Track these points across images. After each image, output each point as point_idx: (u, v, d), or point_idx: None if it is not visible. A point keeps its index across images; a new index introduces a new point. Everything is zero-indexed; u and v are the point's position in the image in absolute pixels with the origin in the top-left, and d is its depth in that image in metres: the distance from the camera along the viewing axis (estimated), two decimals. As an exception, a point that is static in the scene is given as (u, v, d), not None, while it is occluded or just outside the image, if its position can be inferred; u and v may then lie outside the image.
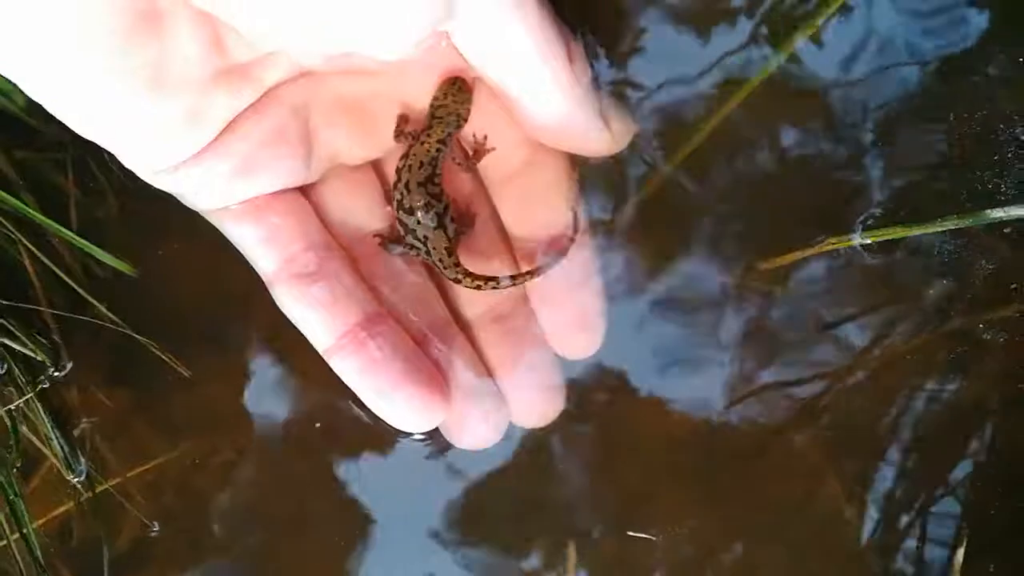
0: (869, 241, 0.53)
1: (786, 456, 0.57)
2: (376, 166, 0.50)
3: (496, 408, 0.49)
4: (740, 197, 0.55)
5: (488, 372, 0.49)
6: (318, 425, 0.58)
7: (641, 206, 0.55)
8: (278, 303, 0.46)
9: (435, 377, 0.47)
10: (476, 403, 0.48)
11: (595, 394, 0.57)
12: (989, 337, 0.55)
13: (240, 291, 0.57)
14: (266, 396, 0.58)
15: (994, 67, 0.54)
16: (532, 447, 0.57)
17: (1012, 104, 0.53)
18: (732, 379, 0.56)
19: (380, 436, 0.57)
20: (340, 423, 0.57)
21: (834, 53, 0.53)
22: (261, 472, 0.58)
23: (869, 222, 0.54)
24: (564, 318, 0.49)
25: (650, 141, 0.54)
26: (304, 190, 0.48)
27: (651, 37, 0.54)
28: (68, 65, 0.37)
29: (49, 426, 0.57)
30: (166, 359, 0.56)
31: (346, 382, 0.46)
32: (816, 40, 0.53)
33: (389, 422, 0.46)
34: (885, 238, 0.53)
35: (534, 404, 0.49)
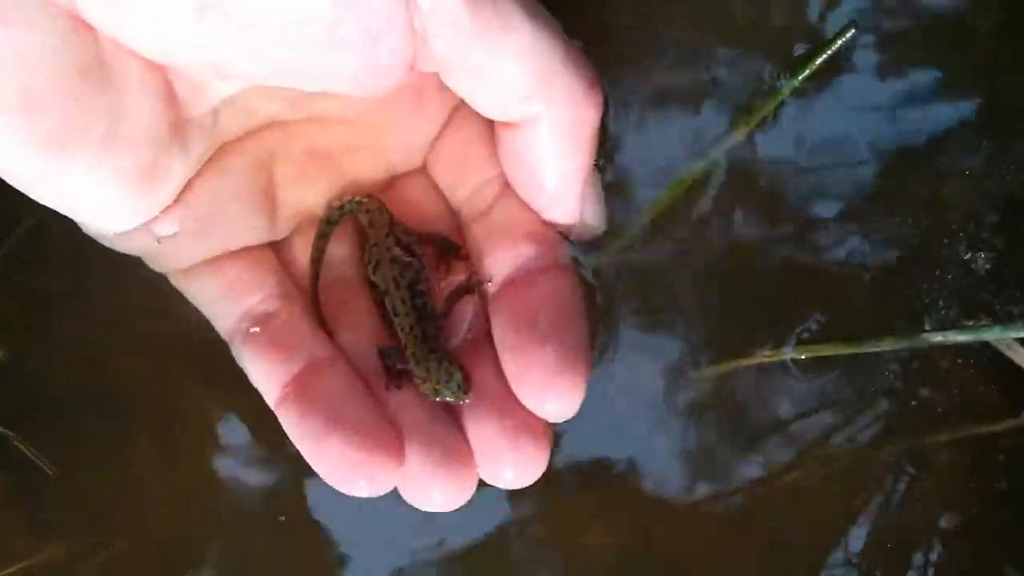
0: (803, 356, 0.51)
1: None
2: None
3: (463, 463, 0.41)
4: (675, 302, 0.52)
5: (458, 423, 0.43)
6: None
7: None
8: (236, 360, 0.43)
9: (384, 430, 0.41)
10: (439, 456, 0.41)
11: (521, 507, 0.53)
12: (931, 459, 0.53)
13: (121, 381, 0.54)
14: (146, 494, 0.54)
15: (939, 178, 0.52)
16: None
17: (953, 219, 0.51)
18: (662, 491, 0.53)
19: (270, 553, 0.53)
20: (224, 519, 0.53)
21: (768, 166, 0.51)
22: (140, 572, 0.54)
23: (804, 336, 0.51)
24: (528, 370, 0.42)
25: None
26: (275, 243, 0.45)
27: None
28: (13, 133, 0.34)
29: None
30: (29, 454, 0.51)
31: (291, 437, 0.41)
32: (747, 153, 0.51)
33: (330, 481, 0.40)
34: (818, 355, 0.51)
35: (509, 459, 0.41)
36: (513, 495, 0.53)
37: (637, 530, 0.53)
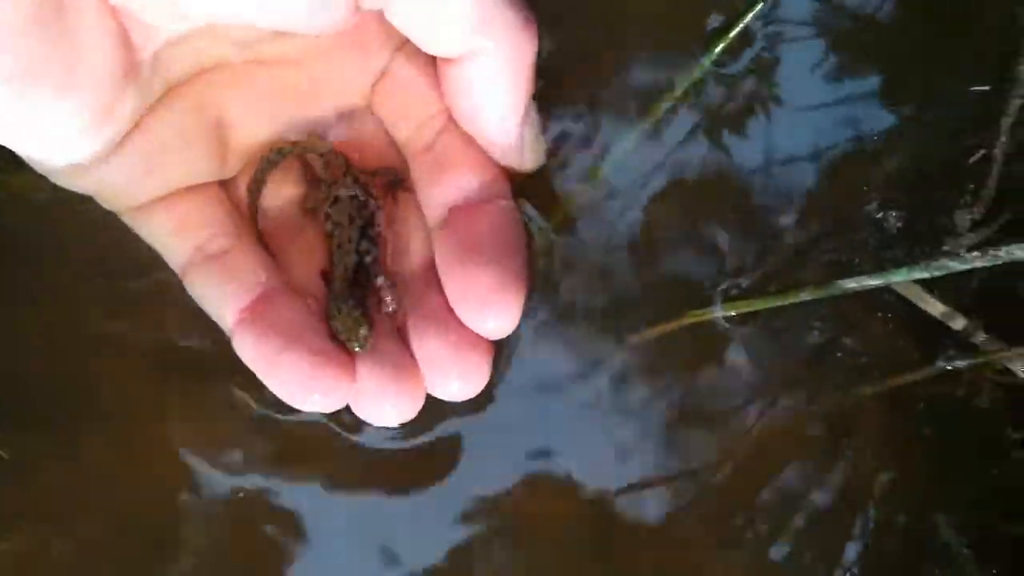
0: (732, 313, 0.53)
1: (669, 547, 0.55)
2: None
3: (412, 377, 0.45)
4: (609, 268, 0.55)
5: (404, 341, 0.46)
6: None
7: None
8: (190, 293, 0.45)
9: (335, 349, 0.44)
10: (389, 371, 0.44)
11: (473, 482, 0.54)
12: (857, 416, 0.55)
13: (78, 365, 0.54)
14: (104, 484, 0.54)
15: (846, 152, 0.55)
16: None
17: (866, 182, 0.55)
18: (605, 462, 0.55)
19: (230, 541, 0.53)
20: (184, 512, 0.53)
21: (695, 136, 0.54)
22: (99, 568, 0.54)
23: (732, 292, 0.54)
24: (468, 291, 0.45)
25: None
26: (226, 182, 0.48)
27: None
28: None
29: None
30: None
31: (245, 361, 0.44)
32: (674, 124, 0.54)
33: (286, 398, 0.43)
34: (745, 310, 0.53)
35: (454, 370, 0.45)
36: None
37: (576, 510, 0.55)
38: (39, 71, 0.36)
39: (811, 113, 0.55)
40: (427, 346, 0.45)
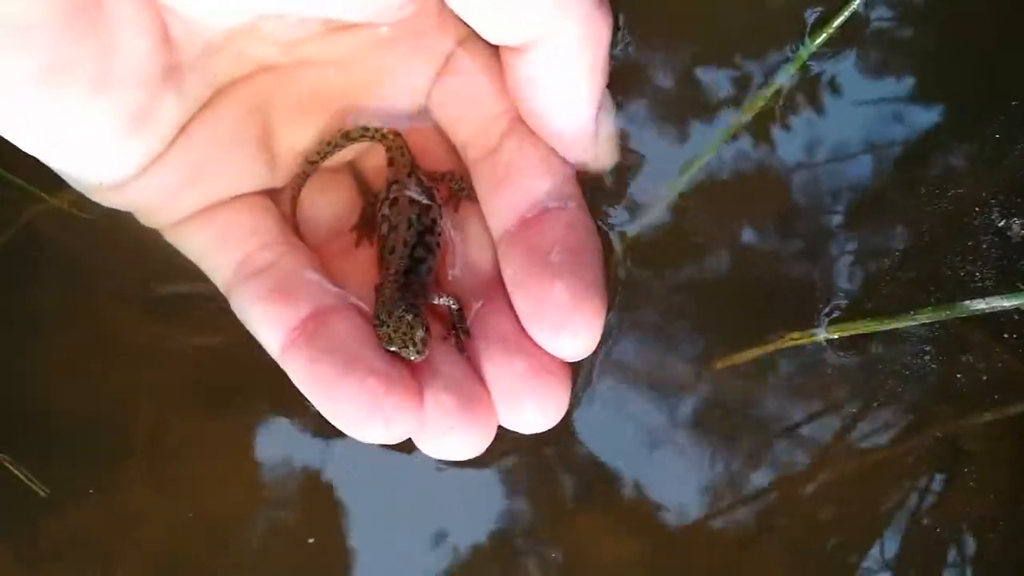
0: (835, 336, 0.48)
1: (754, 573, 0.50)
2: (352, 164, 0.46)
3: (483, 407, 0.39)
4: (696, 291, 0.50)
5: (476, 370, 0.41)
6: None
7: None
8: (235, 311, 0.41)
9: (399, 373, 0.38)
10: (458, 400, 0.39)
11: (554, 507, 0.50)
12: (971, 446, 0.50)
13: (119, 394, 0.51)
14: (142, 518, 0.51)
15: (956, 156, 0.49)
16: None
17: (985, 187, 0.49)
18: (693, 488, 0.50)
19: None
20: (221, 546, 0.50)
21: (790, 143, 0.49)
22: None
23: (834, 315, 0.49)
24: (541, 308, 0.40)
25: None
26: (272, 191, 0.44)
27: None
28: (3, 68, 0.33)
29: None
30: (22, 476, 0.48)
31: (298, 385, 0.39)
32: (765, 133, 0.49)
33: (346, 427, 0.38)
34: (853, 332, 0.48)
35: (529, 398, 0.40)
36: (523, 493, 0.51)
37: (661, 535, 0.50)
38: (70, 68, 0.34)
39: (917, 116, 0.50)
40: (498, 372, 0.40)
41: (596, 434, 0.50)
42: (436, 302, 0.42)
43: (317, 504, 0.51)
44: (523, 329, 0.40)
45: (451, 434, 0.39)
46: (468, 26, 0.39)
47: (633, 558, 0.50)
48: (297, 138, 0.44)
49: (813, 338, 0.48)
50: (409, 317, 0.39)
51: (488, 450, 0.42)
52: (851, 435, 0.50)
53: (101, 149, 0.37)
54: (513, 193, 0.42)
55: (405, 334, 0.39)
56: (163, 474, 0.51)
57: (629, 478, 0.50)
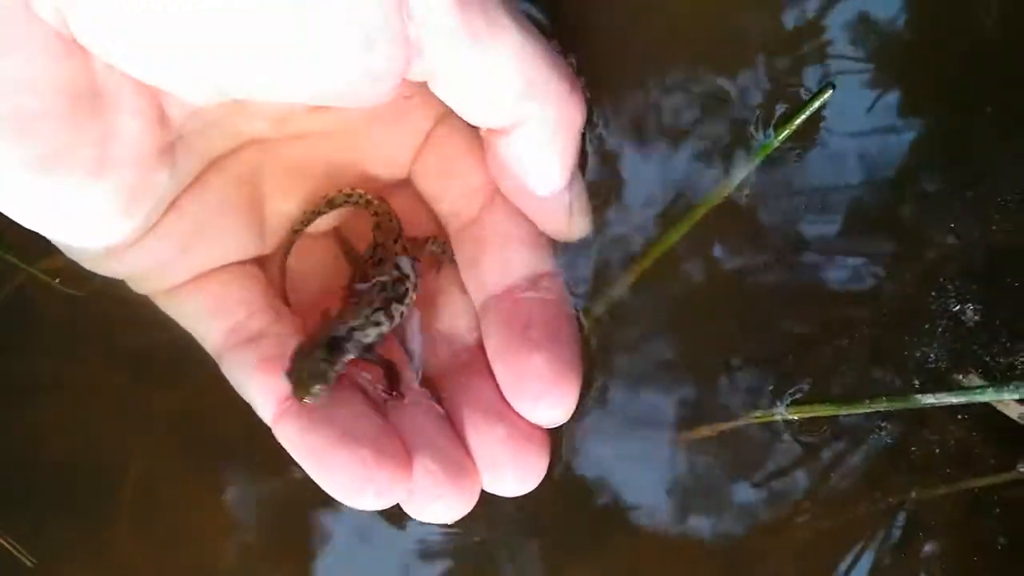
0: (794, 418, 0.50)
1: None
2: (337, 231, 0.48)
3: (468, 475, 0.42)
4: (663, 359, 0.52)
5: (458, 432, 0.43)
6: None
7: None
8: (227, 376, 0.43)
9: (390, 442, 0.41)
10: (445, 468, 0.41)
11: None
12: (926, 516, 0.52)
13: (107, 457, 0.52)
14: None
15: (921, 231, 0.51)
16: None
17: (941, 272, 0.51)
18: (657, 552, 0.52)
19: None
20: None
21: (754, 230, 0.50)
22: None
23: (796, 396, 0.50)
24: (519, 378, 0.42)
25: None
26: (261, 259, 0.45)
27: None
28: (4, 156, 0.34)
29: None
30: (9, 547, 0.50)
31: (291, 454, 0.40)
32: (728, 223, 0.50)
33: (337, 495, 0.40)
34: (811, 415, 0.50)
35: (510, 465, 0.42)
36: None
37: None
38: (71, 154, 0.35)
39: (883, 191, 0.51)
40: (481, 440, 0.42)
41: (571, 495, 0.52)
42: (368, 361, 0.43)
43: (306, 559, 0.52)
44: (503, 397, 0.42)
45: (438, 502, 0.41)
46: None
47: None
48: (285, 205, 0.45)
49: (773, 418, 0.50)
50: (323, 365, 0.40)
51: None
52: (810, 504, 0.52)
53: (96, 225, 0.38)
54: (493, 263, 0.44)
55: (310, 375, 0.40)
56: (152, 530, 0.52)
57: (606, 535, 0.52)
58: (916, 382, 0.50)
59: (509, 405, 0.42)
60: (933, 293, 0.51)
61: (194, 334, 0.44)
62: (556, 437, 0.50)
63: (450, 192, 0.46)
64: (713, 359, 0.51)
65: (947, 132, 0.51)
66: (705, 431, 0.51)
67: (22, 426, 0.52)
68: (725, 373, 0.51)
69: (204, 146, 0.41)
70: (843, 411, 0.48)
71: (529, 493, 0.43)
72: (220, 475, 0.52)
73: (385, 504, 0.40)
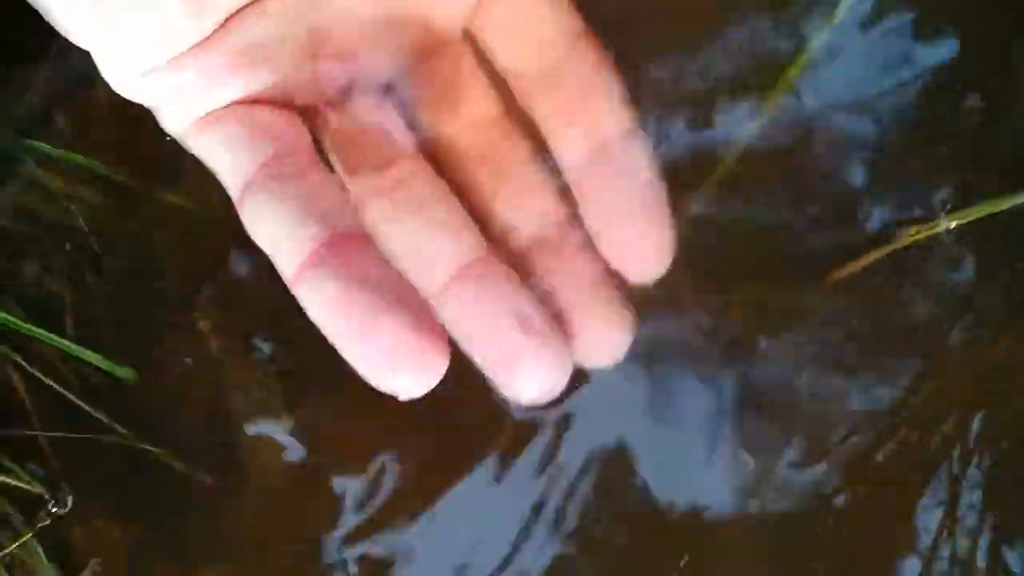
0: (953, 225, 0.48)
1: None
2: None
3: (558, 343, 0.36)
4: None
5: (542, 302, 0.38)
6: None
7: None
8: (246, 226, 0.36)
9: (429, 317, 0.35)
10: (533, 337, 0.35)
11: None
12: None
13: None
14: (299, 513, 0.51)
15: None
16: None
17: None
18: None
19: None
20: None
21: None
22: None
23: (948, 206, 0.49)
24: (628, 238, 0.39)
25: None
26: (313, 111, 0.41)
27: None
28: None
29: (51, 570, 0.49)
30: (178, 469, 0.49)
31: (315, 316, 0.34)
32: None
33: (374, 370, 0.33)
34: (973, 217, 0.48)
35: (601, 334, 0.38)
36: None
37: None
38: None
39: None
40: (575, 305, 0.38)
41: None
42: None
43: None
44: (591, 263, 0.39)
45: (536, 367, 0.36)
46: None
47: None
48: (343, 47, 0.41)
49: (934, 230, 0.48)
50: None
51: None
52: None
53: (158, 27, 0.36)
54: (585, 124, 0.41)
55: None
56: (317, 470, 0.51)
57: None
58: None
59: (601, 279, 0.39)
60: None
61: (218, 169, 0.38)
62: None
63: (522, 43, 0.42)
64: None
65: None
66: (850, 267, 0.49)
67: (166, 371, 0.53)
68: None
69: None
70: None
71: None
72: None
73: (429, 384, 0.33)
